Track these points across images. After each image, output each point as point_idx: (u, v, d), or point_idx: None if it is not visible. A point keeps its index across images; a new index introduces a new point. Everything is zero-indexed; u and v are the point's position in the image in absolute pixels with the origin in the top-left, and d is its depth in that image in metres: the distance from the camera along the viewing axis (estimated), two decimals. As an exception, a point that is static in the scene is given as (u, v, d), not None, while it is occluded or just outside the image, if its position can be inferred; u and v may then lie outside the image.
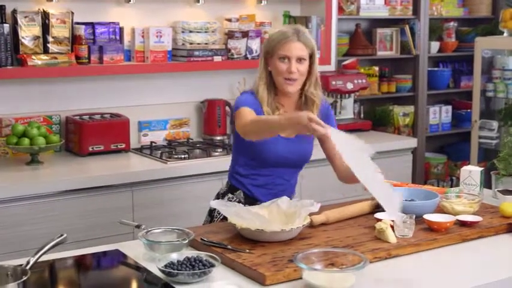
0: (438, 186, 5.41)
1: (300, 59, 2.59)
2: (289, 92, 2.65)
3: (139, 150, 3.85)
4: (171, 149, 3.86)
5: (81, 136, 3.68)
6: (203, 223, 2.85)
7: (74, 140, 3.75)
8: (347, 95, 4.51)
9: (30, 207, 3.17)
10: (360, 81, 4.49)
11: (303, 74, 2.62)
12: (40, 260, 2.04)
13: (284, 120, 2.37)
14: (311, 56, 2.64)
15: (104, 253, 2.35)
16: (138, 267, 2.21)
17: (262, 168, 2.70)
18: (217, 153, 3.77)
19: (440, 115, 5.56)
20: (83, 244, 2.89)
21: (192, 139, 4.16)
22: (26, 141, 3.46)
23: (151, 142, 3.98)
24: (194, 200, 3.51)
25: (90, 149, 3.69)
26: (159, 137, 4.11)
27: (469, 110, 5.26)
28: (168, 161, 3.60)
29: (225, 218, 2.54)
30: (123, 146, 3.78)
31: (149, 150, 3.84)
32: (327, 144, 2.71)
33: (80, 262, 2.31)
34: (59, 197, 3.23)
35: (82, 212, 3.29)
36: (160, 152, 3.74)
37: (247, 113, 2.56)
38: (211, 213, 2.79)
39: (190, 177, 3.56)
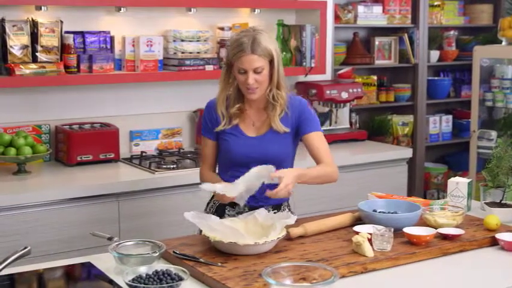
0: (439, 197, 5.35)
1: (257, 70, 2.57)
2: (252, 99, 2.66)
3: (129, 160, 3.82)
4: (161, 159, 3.83)
5: (69, 145, 3.65)
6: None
7: (63, 149, 3.72)
8: (342, 104, 4.45)
9: (15, 218, 3.13)
10: (355, 90, 4.43)
11: (262, 82, 2.60)
12: (5, 273, 2.02)
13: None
14: (271, 61, 2.60)
15: (75, 266, 2.31)
16: (109, 281, 2.17)
17: (234, 170, 2.66)
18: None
19: (440, 124, 5.50)
20: (66, 255, 2.88)
21: (183, 149, 4.12)
22: (13, 151, 3.44)
23: (142, 152, 3.95)
24: (182, 211, 3.42)
25: (79, 159, 3.66)
26: (150, 146, 4.08)
27: (470, 120, 5.20)
28: (157, 171, 3.56)
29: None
30: (112, 155, 3.75)
31: (139, 160, 3.80)
32: (307, 146, 2.72)
33: (49, 275, 2.27)
34: (44, 207, 3.19)
35: (67, 223, 3.25)
36: (149, 162, 3.71)
37: (203, 155, 2.79)
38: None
39: (178, 187, 3.52)
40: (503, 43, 4.74)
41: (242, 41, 2.56)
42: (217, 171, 2.80)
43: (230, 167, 2.69)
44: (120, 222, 3.37)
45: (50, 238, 3.20)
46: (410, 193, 4.78)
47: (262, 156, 2.63)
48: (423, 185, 5.37)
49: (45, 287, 2.30)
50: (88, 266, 2.29)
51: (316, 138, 2.70)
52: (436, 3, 5.40)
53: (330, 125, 4.56)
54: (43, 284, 2.29)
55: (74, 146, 3.64)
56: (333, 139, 4.39)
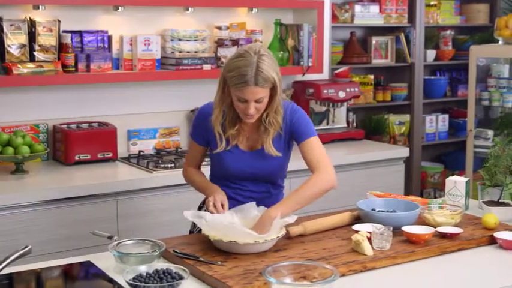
0: (435, 196, 5.36)
1: (258, 100, 2.45)
2: (249, 123, 2.58)
3: (127, 160, 3.82)
4: (159, 158, 3.83)
5: (67, 145, 3.65)
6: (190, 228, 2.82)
7: (61, 148, 3.72)
8: (339, 103, 4.46)
9: (13, 217, 3.13)
10: (352, 89, 4.43)
11: (261, 108, 2.49)
12: (5, 272, 2.02)
13: (206, 192, 2.67)
14: (273, 87, 2.47)
15: (75, 265, 2.31)
16: (108, 280, 2.17)
17: (227, 181, 2.67)
18: (204, 163, 3.71)
19: (437, 124, 5.51)
20: (64, 255, 2.86)
21: (181, 148, 4.12)
22: (10, 150, 3.43)
23: (140, 151, 3.95)
24: (179, 210, 3.43)
25: (77, 158, 3.66)
26: (148, 145, 4.08)
27: (466, 119, 5.21)
28: (154, 170, 3.56)
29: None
30: (110, 155, 3.75)
31: (136, 159, 3.80)
32: (302, 156, 2.64)
33: (48, 274, 2.27)
34: (42, 206, 3.19)
35: (65, 222, 3.25)
36: (147, 161, 3.71)
37: (189, 155, 2.83)
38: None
39: (176, 186, 3.51)
40: (500, 42, 4.76)
41: (245, 71, 2.40)
42: (217, 183, 2.71)
43: (225, 178, 2.67)
44: (118, 221, 3.37)
45: (48, 237, 3.20)
46: (407, 192, 4.79)
47: (257, 170, 2.62)
48: (420, 184, 5.38)
49: (44, 286, 2.30)
50: (88, 265, 2.29)
51: (307, 147, 2.57)
52: (432, 3, 5.41)
53: (327, 124, 4.56)
54: (42, 283, 2.29)
55: (71, 145, 3.64)
56: (330, 138, 4.40)
